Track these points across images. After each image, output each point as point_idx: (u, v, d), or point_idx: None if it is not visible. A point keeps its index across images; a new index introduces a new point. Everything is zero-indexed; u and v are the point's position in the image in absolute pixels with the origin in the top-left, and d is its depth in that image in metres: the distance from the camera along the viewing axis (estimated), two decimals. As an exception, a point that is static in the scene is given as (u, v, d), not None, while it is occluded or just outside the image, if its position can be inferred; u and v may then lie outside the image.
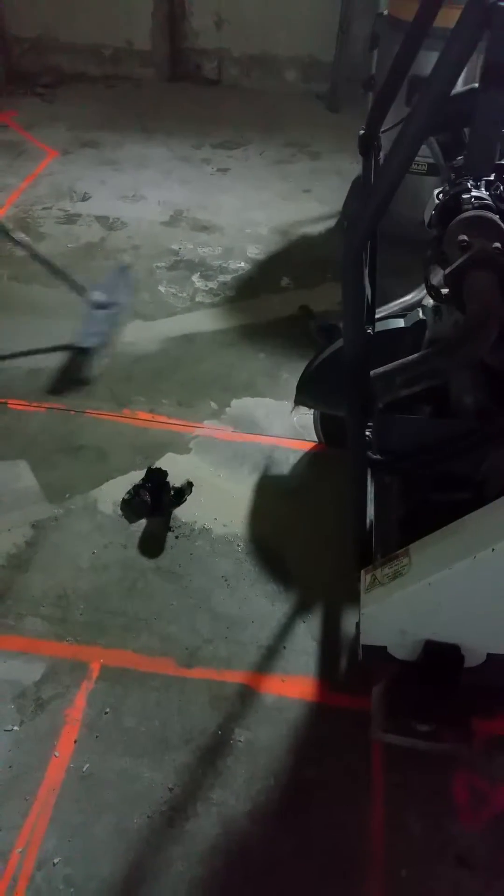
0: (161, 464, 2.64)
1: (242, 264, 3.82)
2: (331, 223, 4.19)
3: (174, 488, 2.46)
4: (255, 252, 3.92)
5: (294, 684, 2.06)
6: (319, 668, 2.10)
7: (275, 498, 2.59)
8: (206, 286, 3.65)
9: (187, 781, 1.85)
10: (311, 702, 2.03)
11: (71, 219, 4.13)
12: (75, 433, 2.80)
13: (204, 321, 3.41)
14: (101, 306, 3.24)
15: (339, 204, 4.24)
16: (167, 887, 1.67)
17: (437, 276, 2.08)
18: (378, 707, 1.82)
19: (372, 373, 1.74)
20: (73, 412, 2.88)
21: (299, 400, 2.61)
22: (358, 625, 1.88)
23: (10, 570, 2.31)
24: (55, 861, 1.71)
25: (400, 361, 1.71)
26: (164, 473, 2.54)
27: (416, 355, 1.68)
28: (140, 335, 3.30)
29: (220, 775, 1.87)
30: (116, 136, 5.07)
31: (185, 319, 3.42)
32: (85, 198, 4.33)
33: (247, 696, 2.04)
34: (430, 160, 3.48)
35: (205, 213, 4.24)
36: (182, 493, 2.45)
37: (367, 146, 2.04)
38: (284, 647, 2.15)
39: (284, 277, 3.72)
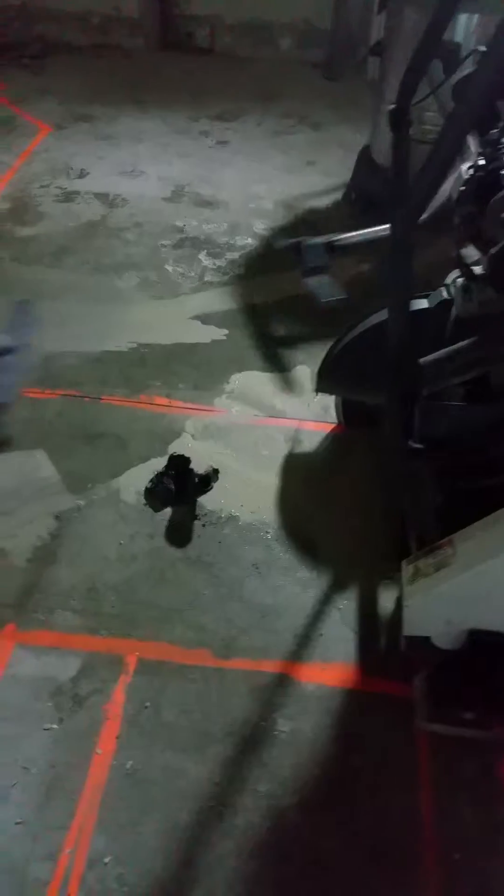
0: (181, 450, 2.58)
1: (250, 240, 3.74)
2: (337, 196, 4.09)
3: (199, 475, 2.41)
4: (262, 227, 3.83)
5: (333, 672, 2.04)
6: (357, 655, 2.08)
7: (300, 482, 2.55)
8: (215, 264, 3.56)
9: (233, 775, 1.83)
10: (352, 689, 2.02)
11: (69, 197, 4.01)
12: (92, 421, 2.73)
13: (215, 301, 3.33)
14: (4, 352, 2.87)
15: (345, 176, 4.14)
16: (221, 883, 1.66)
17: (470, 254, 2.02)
18: (422, 697, 1.80)
19: (422, 361, 1.70)
20: (88, 399, 2.82)
21: (321, 387, 2.56)
22: (397, 613, 1.86)
23: (36, 564, 2.27)
24: (106, 860, 1.69)
25: (451, 349, 1.67)
26: (186, 460, 2.49)
27: (466, 342, 1.64)
28: (151, 317, 3.23)
29: (265, 767, 1.85)
30: (110, 110, 4.91)
31: (196, 300, 3.34)
32: (82, 174, 4.20)
33: (286, 685, 2.01)
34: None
35: (207, 187, 4.14)
36: (208, 480, 2.40)
37: (399, 121, 1.95)
38: (321, 635, 2.13)
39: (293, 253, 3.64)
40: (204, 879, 1.67)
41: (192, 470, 2.44)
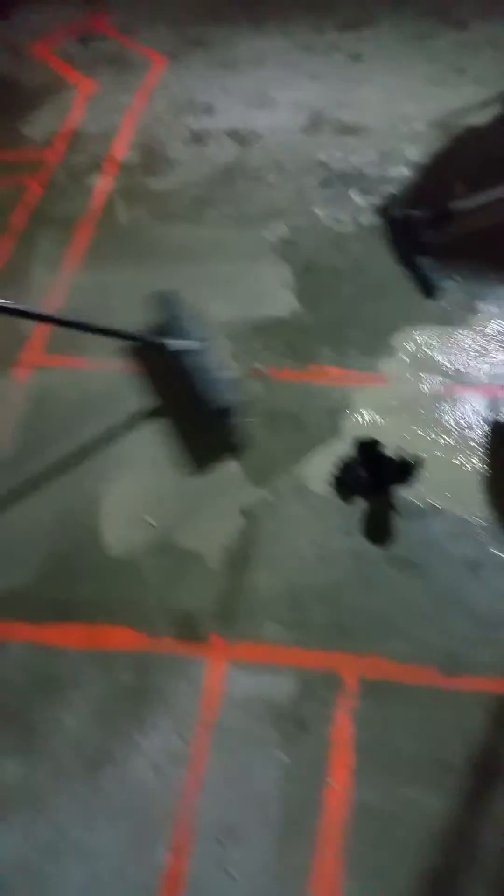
0: (362, 429, 2.34)
1: (405, 171, 3.32)
2: (498, 109, 3.57)
3: (398, 462, 2.16)
4: (416, 154, 3.40)
5: None
6: None
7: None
8: (369, 203, 3.19)
9: (480, 810, 1.67)
10: None
11: (198, 137, 3.68)
12: (262, 399, 2.51)
13: (375, 248, 2.99)
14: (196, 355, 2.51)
15: (502, 85, 3.61)
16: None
17: None
18: None
19: None
20: (252, 372, 2.59)
21: None
22: None
23: (231, 567, 2.12)
24: (361, 908, 1.58)
25: None
26: (375, 444, 2.25)
27: None
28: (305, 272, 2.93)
29: (518, 804, 1.67)
30: (224, 31, 4.45)
31: (353, 248, 3.00)
32: (208, 111, 3.84)
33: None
34: None
35: (347, 111, 3.70)
36: (409, 468, 2.15)
37: None
38: None
39: (459, 183, 3.21)
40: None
41: (387, 456, 2.20)
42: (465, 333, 2.64)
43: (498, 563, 2.06)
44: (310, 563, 2.11)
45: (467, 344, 2.60)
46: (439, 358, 2.57)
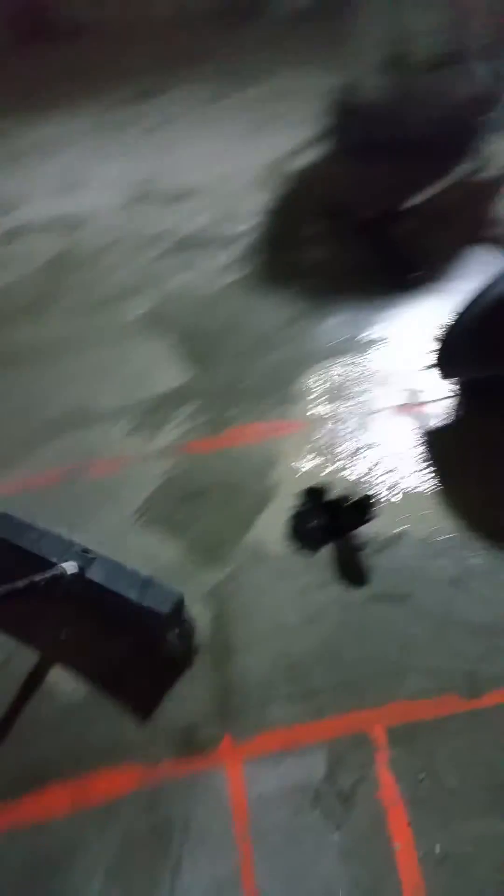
0: (301, 477, 2.31)
1: (251, 223, 3.40)
2: (321, 149, 3.75)
3: (352, 502, 2.14)
4: (255, 205, 3.49)
5: None
6: None
7: (455, 470, 2.31)
8: (230, 259, 3.22)
9: None
10: None
11: (12, 237, 3.55)
12: (188, 477, 2.42)
13: (244, 305, 3.01)
14: None
15: (314, 127, 3.81)
16: None
17: None
18: None
19: None
20: (170, 451, 2.50)
21: (448, 373, 2.32)
22: None
23: (215, 658, 1.98)
24: None
25: None
26: (324, 491, 2.22)
27: None
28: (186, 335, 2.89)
29: None
30: (9, 122, 4.38)
31: (221, 308, 3.01)
32: (16, 205, 3.72)
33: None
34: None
35: (170, 178, 3.74)
36: (364, 508, 2.13)
37: None
38: None
39: (307, 226, 3.33)
40: None
41: (340, 498, 2.17)
42: (361, 360, 2.69)
43: (477, 570, 2.07)
44: (295, 627, 2.02)
45: (368, 369, 2.66)
46: (348, 389, 2.60)
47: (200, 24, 5.12)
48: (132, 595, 1.91)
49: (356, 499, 2.13)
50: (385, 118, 3.31)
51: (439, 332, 2.39)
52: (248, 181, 3.64)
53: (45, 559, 1.97)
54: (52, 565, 1.93)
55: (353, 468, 2.35)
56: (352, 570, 2.11)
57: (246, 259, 3.19)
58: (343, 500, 2.15)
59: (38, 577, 1.85)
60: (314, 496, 2.22)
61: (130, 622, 1.95)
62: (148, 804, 1.74)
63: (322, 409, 2.54)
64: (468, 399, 2.44)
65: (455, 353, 2.27)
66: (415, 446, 2.38)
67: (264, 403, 2.60)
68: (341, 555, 2.14)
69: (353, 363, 2.69)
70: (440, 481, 2.28)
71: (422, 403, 2.51)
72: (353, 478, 2.31)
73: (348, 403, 2.54)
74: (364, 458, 2.38)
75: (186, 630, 1.98)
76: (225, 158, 3.81)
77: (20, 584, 1.81)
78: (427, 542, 2.13)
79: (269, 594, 2.09)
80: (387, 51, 3.12)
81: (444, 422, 2.44)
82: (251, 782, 1.76)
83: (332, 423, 2.49)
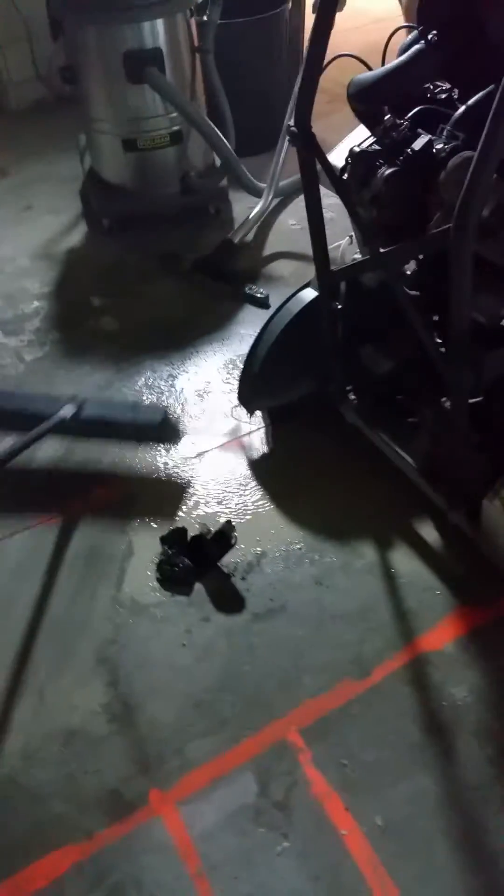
0: (142, 528, 2.39)
1: (37, 303, 3.44)
2: (83, 228, 3.92)
3: (214, 534, 2.25)
4: (38, 286, 3.55)
5: (454, 624, 2.11)
6: (456, 601, 2.16)
7: (285, 485, 2.52)
8: (23, 340, 3.23)
9: (462, 763, 1.83)
10: (477, 628, 2.10)
11: None
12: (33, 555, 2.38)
13: (57, 375, 3.04)
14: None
15: (73, 208, 4.00)
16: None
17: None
18: None
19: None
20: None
21: (253, 408, 2.59)
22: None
23: (119, 722, 1.96)
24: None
25: None
26: (183, 531, 2.32)
27: None
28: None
29: (481, 734, 1.88)
30: None
31: (33, 379, 3.01)
32: None
33: (433, 661, 2.03)
34: (175, 129, 3.45)
35: None
36: (227, 536, 2.25)
37: (306, 140, 1.87)
38: (438, 593, 2.18)
39: (92, 297, 3.45)
40: None
41: (199, 535, 2.28)
42: (184, 405, 2.85)
43: (333, 567, 2.27)
44: (189, 666, 2.07)
45: (191, 413, 2.82)
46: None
47: None
48: (127, 417, 2.56)
49: (218, 528, 2.25)
50: (128, 194, 3.59)
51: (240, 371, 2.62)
52: (24, 265, 3.69)
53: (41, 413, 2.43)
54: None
55: (197, 508, 2.47)
56: (227, 599, 2.21)
57: (44, 338, 3.23)
58: (206, 533, 2.25)
59: (43, 426, 2.35)
60: (175, 538, 2.29)
61: (127, 439, 2.59)
62: (93, 876, 1.67)
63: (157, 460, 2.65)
64: (275, 425, 2.70)
65: (246, 390, 2.55)
66: (246, 474, 2.56)
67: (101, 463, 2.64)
68: (214, 587, 2.24)
69: (177, 409, 2.83)
70: (275, 500, 2.47)
71: (241, 436, 2.71)
72: (201, 515, 2.42)
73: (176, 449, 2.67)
74: (205, 495, 2.51)
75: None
76: (-4, 245, 3.84)
77: (33, 433, 2.32)
78: (285, 555, 2.30)
79: (156, 643, 2.12)
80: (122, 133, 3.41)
81: (263, 448, 2.66)
82: (190, 822, 1.76)
83: (168, 470, 2.60)
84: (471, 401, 1.89)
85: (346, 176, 1.94)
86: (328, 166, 1.92)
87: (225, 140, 3.43)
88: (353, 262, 2.27)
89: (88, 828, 1.76)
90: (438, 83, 1.94)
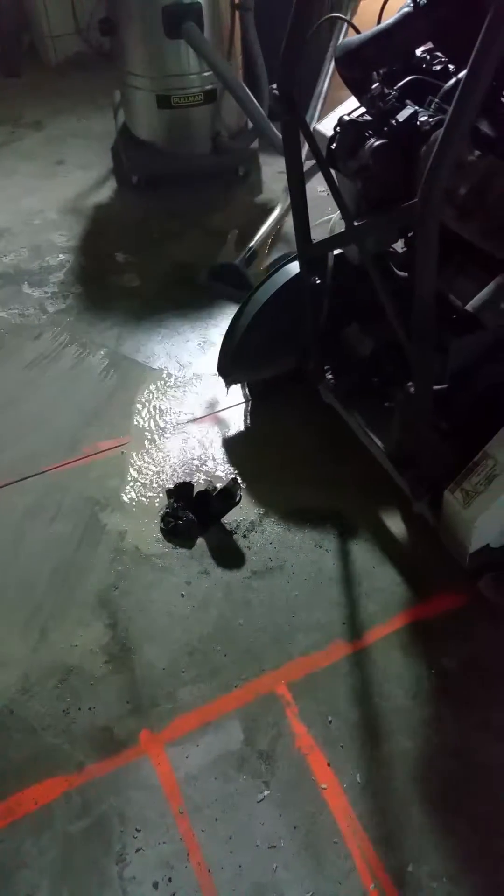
0: (147, 480, 2.43)
1: (62, 256, 3.47)
2: (113, 184, 3.93)
3: (220, 491, 2.29)
4: (64, 239, 3.57)
5: (442, 600, 2.13)
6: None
7: (280, 454, 2.54)
8: (47, 292, 3.27)
9: (462, 740, 1.85)
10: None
11: None
12: (47, 500, 2.43)
13: (75, 327, 3.08)
14: None
15: (103, 164, 4.00)
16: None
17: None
18: (500, 594, 1.98)
19: (470, 307, 1.74)
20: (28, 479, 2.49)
21: (232, 380, 2.58)
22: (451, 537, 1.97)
23: (115, 662, 2.02)
24: (409, 868, 1.65)
25: (494, 287, 1.73)
26: (190, 486, 2.35)
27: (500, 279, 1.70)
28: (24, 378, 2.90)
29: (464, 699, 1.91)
30: None
31: (45, 337, 3.05)
32: None
33: (425, 630, 2.06)
34: (209, 88, 3.43)
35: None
36: (232, 493, 2.29)
37: (288, 101, 1.79)
38: (437, 564, 2.19)
39: (117, 253, 3.47)
40: None
41: (204, 491, 2.31)
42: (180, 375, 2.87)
43: (332, 532, 2.29)
44: (186, 615, 2.12)
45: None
46: (170, 404, 2.76)
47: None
48: None
49: (224, 485, 2.28)
50: (159, 152, 3.57)
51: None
52: (52, 218, 3.71)
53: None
54: None
55: (205, 466, 2.50)
56: (227, 554, 2.25)
57: (66, 290, 3.26)
58: (212, 489, 2.29)
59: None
60: (181, 493, 2.33)
61: None
62: (80, 805, 1.74)
63: (145, 432, 2.68)
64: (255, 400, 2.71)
65: (226, 363, 2.53)
66: (256, 437, 2.59)
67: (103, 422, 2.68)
68: (214, 542, 2.28)
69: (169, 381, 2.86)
70: (283, 465, 2.50)
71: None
72: (209, 473, 2.46)
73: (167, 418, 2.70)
74: (213, 455, 2.54)
75: None
76: (24, 199, 3.85)
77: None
78: (287, 517, 2.34)
79: (156, 591, 2.17)
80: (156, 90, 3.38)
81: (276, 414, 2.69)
82: (176, 764, 1.82)
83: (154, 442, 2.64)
84: (436, 387, 1.83)
85: (334, 145, 1.84)
86: (308, 133, 1.84)
87: (257, 102, 3.40)
88: (331, 236, 2.19)
89: (79, 761, 1.83)
90: (438, 54, 1.82)
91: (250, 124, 3.58)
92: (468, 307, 1.74)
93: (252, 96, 3.39)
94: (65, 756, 1.84)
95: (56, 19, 4.99)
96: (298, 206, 2.02)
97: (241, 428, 2.67)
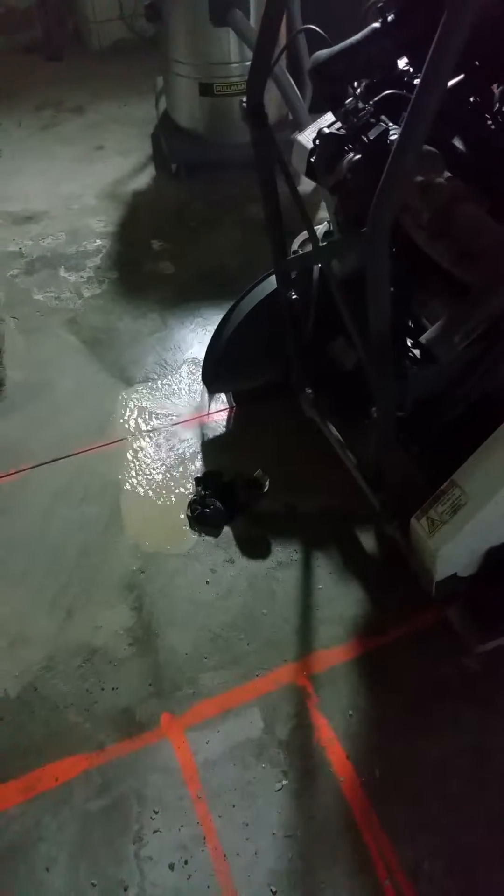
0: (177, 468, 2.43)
1: (99, 242, 3.49)
2: (151, 171, 3.93)
3: (247, 481, 2.29)
4: (102, 225, 3.59)
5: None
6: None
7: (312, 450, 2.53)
8: (83, 276, 3.29)
9: (482, 740, 1.84)
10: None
11: None
12: (80, 483, 2.45)
13: (113, 312, 3.10)
14: None
15: (143, 151, 4.01)
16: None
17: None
18: (467, 624, 1.93)
19: (423, 339, 1.66)
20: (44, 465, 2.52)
21: (216, 388, 2.56)
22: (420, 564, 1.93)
23: (139, 645, 2.04)
24: (424, 867, 1.65)
25: (447, 320, 1.65)
26: (218, 474, 2.36)
27: (461, 307, 1.61)
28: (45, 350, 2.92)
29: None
30: None
31: (86, 319, 3.07)
32: None
33: (450, 628, 2.04)
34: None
35: (13, 203, 3.75)
36: (260, 484, 2.29)
37: (257, 115, 1.76)
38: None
39: (153, 240, 3.48)
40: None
41: (234, 481, 2.32)
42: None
43: (359, 526, 2.29)
44: (211, 602, 2.13)
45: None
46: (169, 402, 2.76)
47: (11, 58, 5.15)
48: None
49: (252, 476, 2.29)
50: (199, 140, 3.57)
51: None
52: (90, 203, 3.73)
53: None
54: None
55: (229, 458, 2.51)
56: (254, 545, 2.26)
57: (102, 275, 3.28)
58: (239, 479, 2.29)
59: None
60: (209, 481, 2.34)
61: None
62: (99, 784, 1.76)
63: (141, 427, 2.68)
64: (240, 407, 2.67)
65: (216, 374, 2.51)
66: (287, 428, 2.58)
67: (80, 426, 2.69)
68: (242, 532, 2.28)
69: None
70: (313, 458, 2.48)
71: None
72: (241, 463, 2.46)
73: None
74: (245, 447, 2.54)
75: None
76: (64, 183, 3.88)
77: None
78: (314, 511, 2.33)
79: (182, 577, 2.18)
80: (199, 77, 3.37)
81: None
82: (196, 748, 1.83)
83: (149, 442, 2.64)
84: (401, 414, 1.78)
85: (313, 158, 1.78)
86: (277, 148, 1.79)
87: (299, 93, 3.38)
88: (301, 254, 2.14)
89: (100, 740, 1.85)
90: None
91: (290, 115, 3.56)
92: (421, 339, 1.66)
93: (295, 87, 3.37)
94: (86, 735, 1.86)
95: (101, 5, 5.00)
96: (272, 220, 1.96)
97: (279, 420, 2.64)
